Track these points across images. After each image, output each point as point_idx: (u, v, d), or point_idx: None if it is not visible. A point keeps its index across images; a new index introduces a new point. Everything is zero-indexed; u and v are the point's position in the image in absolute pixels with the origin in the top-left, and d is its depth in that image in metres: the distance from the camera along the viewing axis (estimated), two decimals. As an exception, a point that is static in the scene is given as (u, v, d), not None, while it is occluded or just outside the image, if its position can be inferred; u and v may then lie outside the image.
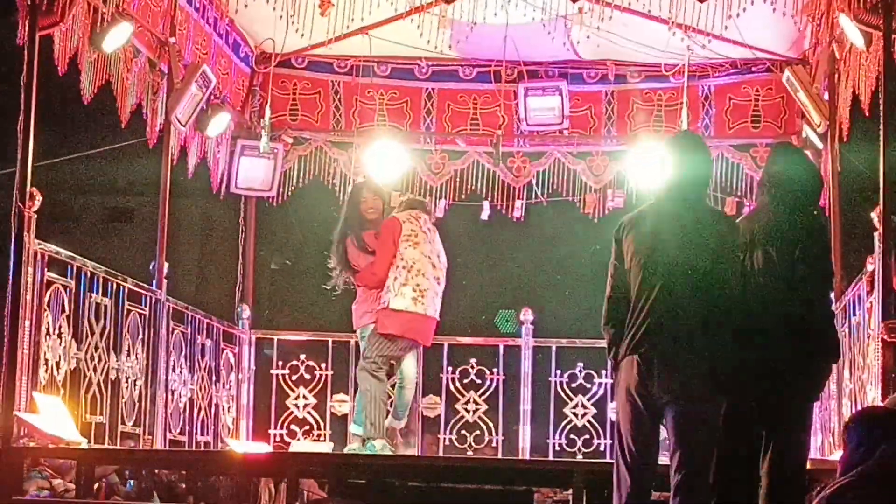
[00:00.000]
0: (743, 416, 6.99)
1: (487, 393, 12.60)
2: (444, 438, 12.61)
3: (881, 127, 8.82)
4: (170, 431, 11.12)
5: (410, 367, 10.77)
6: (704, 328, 6.71)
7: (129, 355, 10.39)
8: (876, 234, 8.75)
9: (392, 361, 10.58)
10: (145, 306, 10.71)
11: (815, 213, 7.48)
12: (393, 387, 10.74)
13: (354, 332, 11.02)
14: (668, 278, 6.76)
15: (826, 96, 11.54)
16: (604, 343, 11.99)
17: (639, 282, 6.86)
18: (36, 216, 8.90)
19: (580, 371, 12.42)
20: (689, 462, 6.71)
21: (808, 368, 7.09)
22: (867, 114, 10.19)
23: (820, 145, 11.86)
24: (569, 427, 12.46)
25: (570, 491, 8.90)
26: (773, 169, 7.41)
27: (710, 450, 6.76)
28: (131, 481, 11.96)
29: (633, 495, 6.81)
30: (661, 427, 6.91)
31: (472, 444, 12.59)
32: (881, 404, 8.03)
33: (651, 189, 12.05)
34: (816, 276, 7.15)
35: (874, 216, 8.74)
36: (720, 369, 6.72)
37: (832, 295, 8.10)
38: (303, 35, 10.86)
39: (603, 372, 12.31)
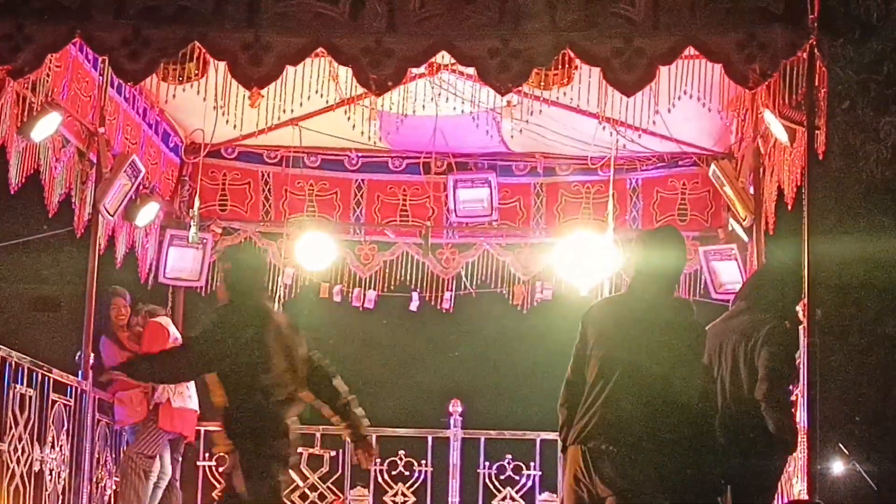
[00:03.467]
0: None
1: (416, 485, 12.54)
2: (373, 531, 12.53)
3: (805, 221, 8.93)
4: (93, 524, 10.98)
5: (168, 462, 11.52)
6: (655, 432, 6.72)
7: (53, 447, 10.27)
8: (801, 328, 8.83)
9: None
10: (70, 397, 10.61)
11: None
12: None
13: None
14: (625, 377, 6.78)
15: (752, 190, 11.68)
16: (532, 435, 12.02)
17: (595, 372, 6.89)
18: (-40, 306, 8.82)
19: (508, 463, 12.40)
20: None
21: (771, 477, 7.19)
22: (790, 208, 10.32)
23: (746, 238, 11.99)
24: (498, 519, 12.44)
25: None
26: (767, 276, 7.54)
27: None
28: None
29: None
30: None
31: (401, 536, 12.51)
32: (806, 497, 8.09)
33: (578, 283, 12.19)
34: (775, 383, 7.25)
35: (799, 309, 8.82)
36: (667, 474, 6.73)
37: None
38: (234, 126, 10.90)
39: (532, 464, 12.31)
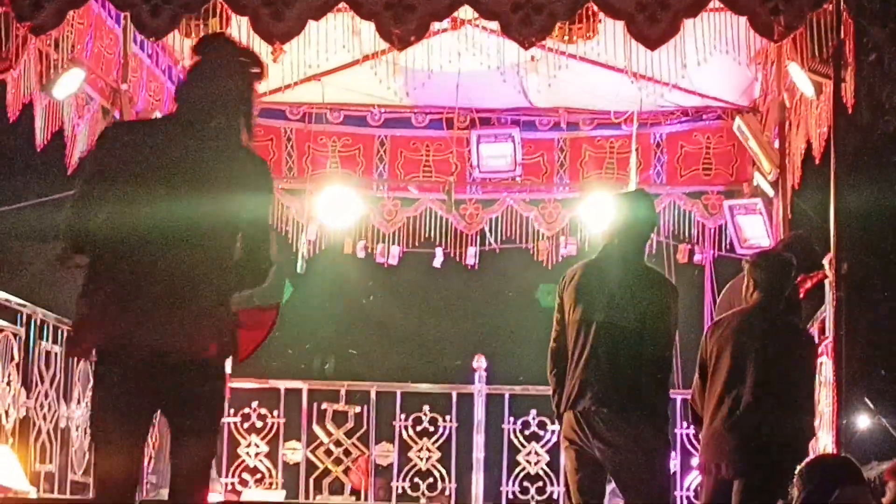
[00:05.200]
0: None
1: (440, 440, 12.55)
2: (397, 486, 12.54)
3: (831, 175, 8.89)
4: (120, 480, 11.00)
5: None
6: (635, 385, 6.78)
7: (79, 403, 10.31)
8: (827, 282, 8.80)
9: None
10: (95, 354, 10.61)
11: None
12: None
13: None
14: (598, 336, 6.87)
15: (777, 144, 11.62)
16: (557, 391, 11.94)
17: (573, 337, 6.96)
18: (-15, 263, 8.85)
19: (533, 418, 12.39)
20: None
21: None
22: (818, 162, 10.27)
23: (771, 193, 11.93)
24: (522, 474, 12.43)
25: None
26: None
27: (665, 498, 6.81)
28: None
29: None
30: (605, 475, 6.96)
31: (425, 492, 12.52)
32: (833, 451, 8.08)
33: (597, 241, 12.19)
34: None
35: (825, 263, 8.79)
36: (657, 423, 6.79)
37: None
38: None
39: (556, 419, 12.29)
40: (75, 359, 10.20)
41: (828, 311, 8.69)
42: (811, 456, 6.28)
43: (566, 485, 7.08)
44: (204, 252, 4.87)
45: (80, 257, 5.02)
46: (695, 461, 10.87)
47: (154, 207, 4.81)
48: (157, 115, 11.43)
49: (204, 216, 4.86)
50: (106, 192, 4.88)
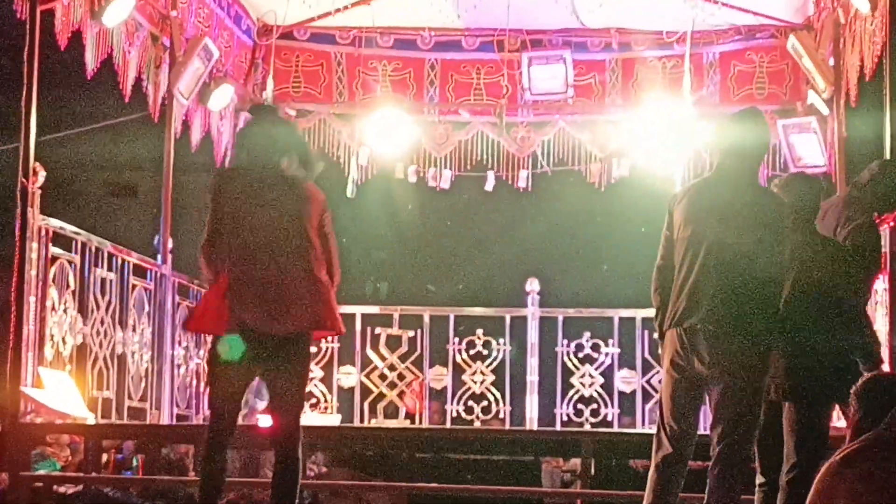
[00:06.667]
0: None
1: (494, 364, 12.58)
2: (452, 409, 12.60)
3: (886, 92, 8.78)
4: (176, 406, 11.12)
5: None
6: (744, 305, 6.69)
7: (134, 330, 10.39)
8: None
9: None
10: (150, 281, 10.71)
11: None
12: None
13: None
14: (709, 254, 6.75)
15: (831, 62, 11.49)
16: (610, 312, 12.02)
17: (681, 255, 6.86)
18: (40, 191, 8.88)
19: (587, 341, 12.40)
20: (729, 434, 6.70)
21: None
22: (870, 78, 10.14)
23: (825, 111, 11.82)
24: (576, 397, 12.45)
25: (578, 460, 8.91)
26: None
27: (752, 423, 6.75)
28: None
29: (669, 460, 6.80)
30: (703, 397, 6.90)
31: (480, 415, 12.57)
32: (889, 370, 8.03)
33: (655, 159, 12.11)
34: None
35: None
36: (762, 346, 6.72)
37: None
38: (309, 6, 10.84)
39: (610, 341, 12.30)
40: (130, 286, 10.30)
41: (884, 230, 8.60)
42: (865, 376, 6.21)
43: (661, 402, 7.00)
44: (289, 261, 6.87)
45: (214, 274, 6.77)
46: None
47: (255, 234, 6.77)
48: (207, 41, 11.42)
49: (286, 236, 6.83)
50: (223, 227, 6.76)
